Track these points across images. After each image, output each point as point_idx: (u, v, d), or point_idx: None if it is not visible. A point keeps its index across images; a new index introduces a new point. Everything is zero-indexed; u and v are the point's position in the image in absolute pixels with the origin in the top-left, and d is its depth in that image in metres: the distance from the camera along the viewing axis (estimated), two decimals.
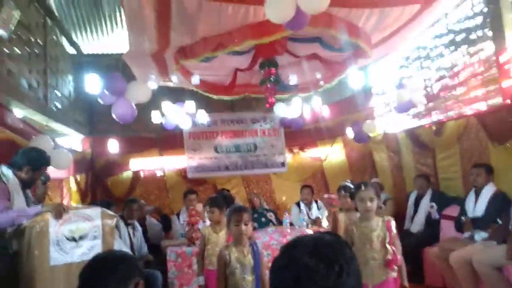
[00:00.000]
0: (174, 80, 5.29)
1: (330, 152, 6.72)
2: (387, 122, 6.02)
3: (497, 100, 4.10)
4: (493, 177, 3.99)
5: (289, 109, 5.79)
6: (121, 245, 3.95)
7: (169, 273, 3.83)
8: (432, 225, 4.59)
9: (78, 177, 5.11)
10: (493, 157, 4.17)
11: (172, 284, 3.83)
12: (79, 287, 1.35)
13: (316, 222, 4.82)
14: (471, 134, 4.46)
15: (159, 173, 6.04)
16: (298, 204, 5.30)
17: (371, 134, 5.88)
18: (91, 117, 5.97)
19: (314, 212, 5.16)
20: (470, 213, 3.95)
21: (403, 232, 4.88)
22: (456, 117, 4.66)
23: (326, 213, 4.85)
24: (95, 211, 2.66)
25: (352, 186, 3.41)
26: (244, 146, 6.36)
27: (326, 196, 4.80)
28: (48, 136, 3.61)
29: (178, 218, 4.72)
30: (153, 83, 5.45)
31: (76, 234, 2.53)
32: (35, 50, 4.20)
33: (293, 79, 5.46)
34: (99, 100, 3.96)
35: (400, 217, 5.15)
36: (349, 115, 6.44)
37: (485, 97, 4.29)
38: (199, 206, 4.46)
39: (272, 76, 4.38)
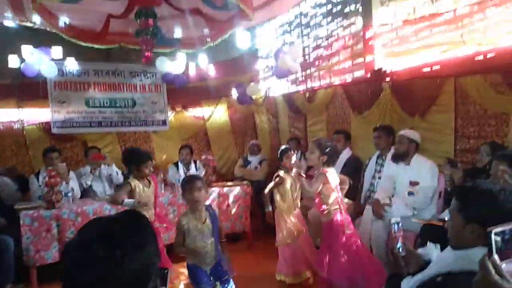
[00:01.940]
0: (36, 20, 4.56)
1: (213, 112, 6.70)
2: (269, 86, 6.21)
3: (361, 73, 4.51)
4: (350, 143, 4.45)
5: (172, 64, 5.52)
6: None
7: (24, 238, 3.48)
8: None
9: None
10: (353, 125, 4.65)
11: (27, 250, 3.49)
12: None
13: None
14: (337, 103, 4.88)
15: (17, 127, 5.27)
16: (176, 164, 5.23)
17: (254, 97, 6.02)
18: None
19: (192, 172, 5.15)
20: None
21: None
22: (326, 86, 5.01)
23: (203, 172, 4.87)
24: None
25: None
26: (121, 101, 5.89)
27: (203, 156, 4.81)
28: None
29: (38, 178, 4.23)
30: (9, 22, 4.67)
31: None
32: None
33: (176, 33, 5.18)
34: None
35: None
36: (234, 76, 6.45)
37: (351, 69, 4.68)
38: (62, 166, 4.05)
39: (149, 27, 4.07)
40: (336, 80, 4.89)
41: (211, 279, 2.61)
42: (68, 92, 5.49)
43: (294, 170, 3.48)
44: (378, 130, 3.86)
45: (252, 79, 6.32)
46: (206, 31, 5.14)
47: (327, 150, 2.96)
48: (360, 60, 4.49)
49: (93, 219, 0.87)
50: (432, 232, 2.66)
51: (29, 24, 4.72)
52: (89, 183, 4.56)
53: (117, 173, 4.76)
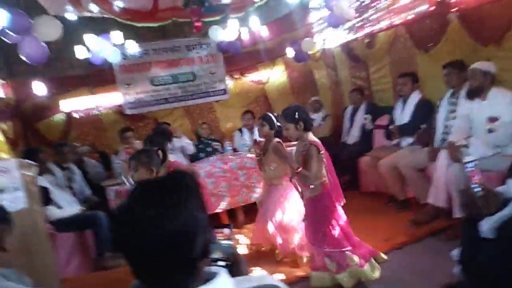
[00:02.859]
0: (93, 9, 4.80)
1: (271, 74, 6.64)
2: (325, 38, 5.95)
3: (423, 8, 4.11)
4: (418, 85, 4.15)
5: (225, 32, 5.52)
6: (59, 192, 3.89)
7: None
8: (366, 136, 4.83)
9: (5, 126, 4.76)
10: (420, 65, 4.31)
11: None
12: None
13: (259, 144, 4.90)
14: (399, 44, 4.53)
15: (94, 112, 5.74)
16: (240, 130, 5.34)
17: (310, 52, 5.83)
18: (7, 59, 5.40)
19: (256, 136, 5.22)
20: (398, 122, 4.17)
21: (340, 145, 5.14)
22: (386, 28, 4.66)
23: None
24: (11, 163, 2.52)
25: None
26: (182, 76, 6.09)
27: None
28: None
29: (117, 156, 4.62)
30: (70, 15, 4.97)
31: None
32: None
33: None
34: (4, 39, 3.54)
35: (339, 132, 5.39)
36: (288, 34, 6.27)
37: (412, 6, 4.28)
38: (138, 143, 4.36)
39: None
40: (397, 20, 4.52)
41: None
42: (133, 74, 5.81)
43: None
44: (448, 67, 3.54)
45: (306, 34, 6.09)
46: None
47: (298, 115, 2.61)
48: None
49: (139, 183, 0.91)
50: None
51: (87, 14, 4.99)
52: None
53: (188, 144, 5.01)
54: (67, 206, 3.85)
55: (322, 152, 2.64)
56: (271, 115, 3.45)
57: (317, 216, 2.67)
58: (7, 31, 3.44)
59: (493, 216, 1.33)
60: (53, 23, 3.61)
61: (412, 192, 3.85)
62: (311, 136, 2.68)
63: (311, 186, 2.62)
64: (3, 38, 3.56)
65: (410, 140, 4.03)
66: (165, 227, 0.79)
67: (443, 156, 3.28)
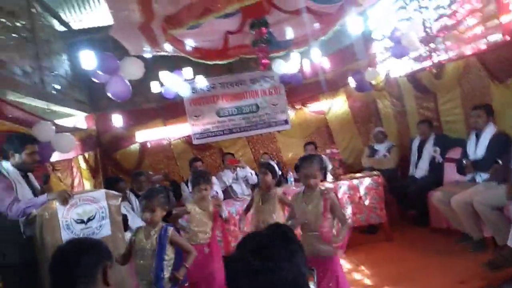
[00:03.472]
0: (168, 49, 5.21)
1: (332, 104, 6.67)
2: (389, 68, 5.89)
3: (497, 37, 3.96)
4: (493, 118, 3.95)
5: (287, 65, 5.70)
6: (134, 218, 4.17)
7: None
8: (436, 169, 4.63)
9: (87, 155, 5.26)
10: (494, 97, 4.10)
11: None
12: (52, 284, 1.42)
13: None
14: (471, 74, 4.36)
15: (165, 142, 6.15)
16: None
17: (373, 82, 5.79)
18: (91, 94, 6.01)
19: None
20: (472, 155, 3.96)
21: (407, 178, 4.97)
22: (455, 57, 4.53)
23: (330, 167, 4.92)
24: (100, 193, 2.79)
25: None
26: (246, 108, 6.35)
27: (328, 151, 4.85)
28: (48, 122, 3.68)
29: (187, 185, 4.86)
30: (147, 54, 5.43)
31: (84, 217, 2.68)
32: (23, 35, 4.18)
33: (287, 35, 5.32)
34: (94, 80, 3.98)
35: (405, 163, 5.22)
36: (350, 64, 6.31)
37: (484, 35, 4.14)
38: None
39: (263, 36, 4.29)
40: (467, 50, 4.38)
41: None
42: (201, 106, 6.18)
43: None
44: None
45: (369, 64, 6.08)
46: (316, 25, 5.15)
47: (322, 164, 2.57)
48: (494, 22, 3.95)
49: (248, 235, 1.00)
50: None
51: (162, 53, 5.44)
52: (230, 181, 5.05)
53: (251, 174, 5.15)
54: None
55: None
56: (273, 163, 3.41)
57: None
58: (98, 71, 3.88)
59: None
60: (137, 63, 3.99)
61: (488, 232, 3.60)
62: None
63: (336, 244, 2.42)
64: (92, 78, 4.02)
65: (485, 176, 3.81)
66: (280, 279, 0.86)
67: None
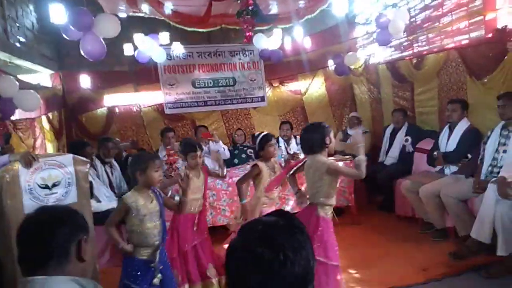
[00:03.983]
0: (145, 10, 4.93)
1: (310, 85, 6.62)
2: (369, 54, 5.89)
3: (479, 34, 4.01)
4: (467, 113, 4.04)
5: (269, 40, 5.55)
6: (99, 186, 4.00)
7: None
8: (405, 158, 4.73)
9: (51, 115, 4.94)
10: (470, 93, 4.19)
11: None
12: (19, 256, 1.28)
13: (293, 157, 4.89)
14: (450, 68, 4.43)
15: (135, 109, 5.88)
16: (277, 140, 5.32)
17: (352, 67, 5.78)
18: (59, 51, 5.61)
19: (293, 147, 5.23)
20: (443, 148, 4.06)
21: (377, 164, 5.05)
22: (437, 50, 4.57)
23: None
24: (67, 158, 2.62)
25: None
26: (222, 80, 6.16)
27: None
28: (11, 76, 3.39)
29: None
30: (122, 14, 5.10)
31: (49, 182, 2.50)
32: None
33: (272, 9, 5.16)
34: (64, 36, 3.68)
35: (377, 150, 5.31)
36: (331, 46, 6.24)
37: (467, 30, 4.18)
38: (177, 145, 4.43)
39: (249, 7, 4.12)
40: (449, 43, 4.43)
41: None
42: (176, 75, 5.92)
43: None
44: (503, 98, 3.41)
45: (349, 48, 6.05)
46: (302, 2, 5.03)
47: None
48: (479, 18, 3.98)
49: (251, 222, 0.92)
50: None
51: (139, 14, 5.13)
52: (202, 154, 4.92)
53: (223, 149, 5.05)
54: (105, 200, 3.96)
55: None
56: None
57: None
58: (70, 26, 3.58)
59: None
60: (112, 20, 3.72)
61: (451, 222, 3.75)
62: None
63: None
64: (63, 34, 3.72)
65: (454, 168, 3.93)
66: (291, 273, 0.80)
67: (491, 190, 3.17)
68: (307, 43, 5.91)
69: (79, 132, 5.57)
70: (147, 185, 2.43)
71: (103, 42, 3.66)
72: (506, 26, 3.61)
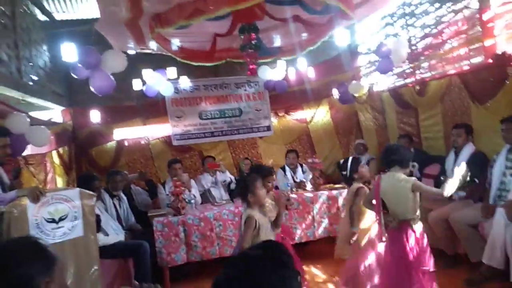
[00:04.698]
0: (153, 47, 5.10)
1: (315, 114, 6.69)
2: (372, 82, 5.97)
3: (480, 59, 4.07)
4: (472, 137, 4.04)
5: (273, 71, 5.69)
6: (107, 219, 4.02)
7: (157, 242, 3.92)
8: None
9: (61, 150, 5.06)
10: (474, 117, 4.20)
11: (160, 252, 3.93)
12: None
13: (300, 185, 4.90)
14: (453, 94, 4.45)
15: (143, 142, 5.99)
16: (283, 169, 5.36)
17: (356, 95, 5.85)
18: (70, 88, 5.81)
19: (299, 176, 5.24)
20: (450, 173, 4.02)
21: None
22: (439, 76, 4.63)
23: (310, 176, 4.91)
24: (74, 192, 2.67)
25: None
26: (229, 111, 6.29)
27: (310, 160, 4.84)
28: (22, 113, 3.52)
29: (164, 187, 4.75)
30: (131, 51, 5.30)
31: (56, 216, 2.54)
32: (2, 21, 3.99)
33: (275, 42, 5.31)
34: (73, 75, 3.85)
35: None
36: (335, 75, 6.36)
37: (468, 56, 4.25)
38: (185, 176, 4.49)
39: (252, 41, 4.24)
40: (450, 69, 4.49)
41: None
42: (183, 107, 6.07)
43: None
44: (506, 122, 3.43)
45: (353, 77, 6.16)
46: (305, 35, 5.16)
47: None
48: (478, 45, 4.06)
49: (238, 255, 0.94)
50: None
51: (147, 51, 5.32)
52: (209, 184, 4.96)
53: (230, 179, 5.09)
54: (113, 233, 3.97)
55: None
56: None
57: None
58: (78, 65, 3.75)
59: None
60: (119, 57, 3.88)
61: (462, 248, 3.66)
62: None
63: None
64: (72, 73, 3.88)
65: (462, 193, 3.88)
66: None
67: (499, 215, 3.13)
68: (311, 73, 6.04)
69: (89, 165, 5.66)
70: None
71: (111, 77, 3.81)
72: (505, 51, 3.67)
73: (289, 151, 5.49)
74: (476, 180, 3.80)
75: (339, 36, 4.70)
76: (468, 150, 3.95)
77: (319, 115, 6.70)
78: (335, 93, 6.02)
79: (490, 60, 3.84)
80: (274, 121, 6.59)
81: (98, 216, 3.66)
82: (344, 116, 6.60)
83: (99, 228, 3.65)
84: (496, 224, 3.11)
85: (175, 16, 3.60)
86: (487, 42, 3.91)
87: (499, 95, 3.80)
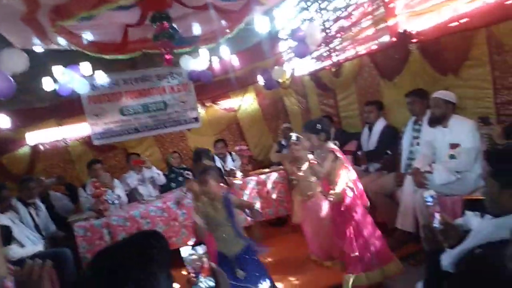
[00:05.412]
0: (61, 42, 4.75)
1: (243, 101, 6.72)
2: (293, 66, 6.10)
3: (386, 38, 4.31)
4: (383, 113, 4.30)
5: (196, 61, 5.58)
6: (22, 229, 3.72)
7: (80, 248, 3.71)
8: None
9: None
10: (384, 93, 4.47)
11: (85, 258, 3.72)
12: None
13: (230, 173, 4.90)
14: (365, 73, 4.70)
15: (61, 145, 5.59)
16: (213, 159, 5.31)
17: (280, 80, 5.95)
18: None
19: (229, 164, 5.24)
20: (365, 147, 4.28)
21: None
22: (351, 57, 4.85)
23: (239, 163, 4.93)
24: None
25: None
26: (152, 105, 6.06)
27: (237, 148, 4.85)
28: None
29: (85, 190, 4.48)
30: (38, 48, 4.89)
31: None
32: None
33: (194, 31, 5.20)
34: None
35: None
36: (258, 62, 6.40)
37: (375, 36, 4.48)
38: (106, 176, 4.26)
39: (165, 30, 4.11)
40: (362, 50, 4.72)
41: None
42: (102, 104, 5.74)
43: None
44: (410, 95, 3.69)
45: (276, 62, 6.25)
46: (223, 23, 5.11)
47: (319, 127, 2.88)
48: (383, 25, 4.30)
49: (103, 250, 0.88)
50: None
51: (55, 47, 4.93)
52: (135, 183, 4.76)
53: (158, 174, 4.94)
54: (30, 244, 3.69)
55: (340, 157, 2.88)
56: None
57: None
58: None
59: (453, 250, 1.37)
60: (19, 55, 3.56)
61: (381, 217, 3.91)
62: (330, 144, 2.92)
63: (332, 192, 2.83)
64: None
65: (377, 165, 4.14)
66: None
67: (408, 182, 3.37)
68: (234, 61, 6.02)
69: (0, 175, 5.17)
70: None
71: (11, 78, 3.48)
72: (405, 29, 3.93)
73: (217, 140, 5.46)
74: (389, 152, 4.07)
75: (259, 23, 4.72)
76: (380, 125, 4.20)
77: (246, 103, 6.73)
78: (260, 79, 6.08)
79: (394, 39, 4.10)
80: (201, 112, 6.50)
81: (7, 228, 3.39)
82: (270, 102, 6.70)
83: (10, 240, 3.37)
84: (406, 191, 3.35)
85: (75, 8, 3.37)
86: (390, 22, 4.15)
87: (404, 71, 4.08)
